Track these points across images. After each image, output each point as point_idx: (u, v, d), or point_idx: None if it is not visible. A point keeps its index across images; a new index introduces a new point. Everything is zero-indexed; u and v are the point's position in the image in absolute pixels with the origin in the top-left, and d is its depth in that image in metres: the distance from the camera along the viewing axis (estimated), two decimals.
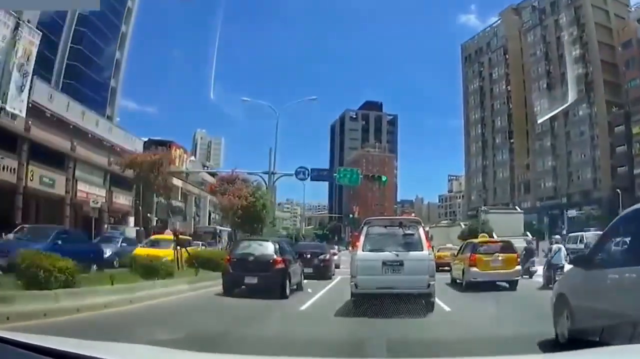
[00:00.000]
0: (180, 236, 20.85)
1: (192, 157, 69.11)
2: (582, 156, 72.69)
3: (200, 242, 34.17)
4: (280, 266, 13.22)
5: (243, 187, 25.47)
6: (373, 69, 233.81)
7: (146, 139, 52.80)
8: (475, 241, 17.25)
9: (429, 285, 10.03)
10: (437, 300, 10.91)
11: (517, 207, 65.25)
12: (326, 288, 16.33)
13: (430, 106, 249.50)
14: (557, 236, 19.70)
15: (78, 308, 8.54)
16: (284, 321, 9.71)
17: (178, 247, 16.26)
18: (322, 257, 21.27)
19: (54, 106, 35.63)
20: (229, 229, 35.87)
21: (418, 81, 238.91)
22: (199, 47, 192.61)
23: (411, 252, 10.22)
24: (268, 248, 13.82)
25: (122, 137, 43.87)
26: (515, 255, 15.84)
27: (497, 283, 15.35)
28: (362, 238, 10.56)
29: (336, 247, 37.31)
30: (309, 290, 14.76)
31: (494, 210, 58.05)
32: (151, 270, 12.49)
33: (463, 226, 57.59)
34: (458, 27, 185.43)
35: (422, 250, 10.32)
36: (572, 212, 61.81)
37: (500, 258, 15.32)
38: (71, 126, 37.05)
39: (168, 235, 21.73)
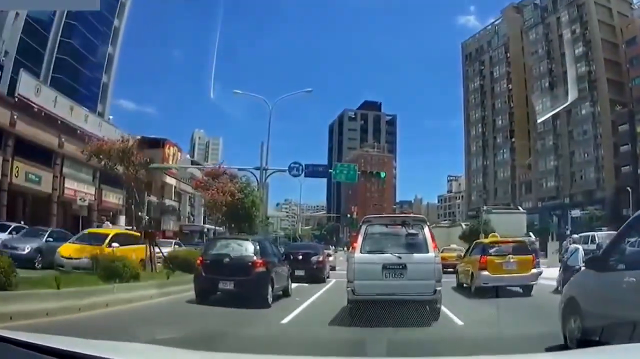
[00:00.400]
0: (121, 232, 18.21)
1: (187, 156, 67.62)
2: (585, 155, 71.35)
3: (173, 241, 31.80)
4: (261, 269, 11.51)
5: (228, 182, 23.84)
6: (372, 69, 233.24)
7: (139, 137, 51.45)
8: (486, 241, 15.63)
9: (435, 291, 8.89)
10: (445, 310, 9.62)
11: (519, 207, 64.21)
12: (318, 293, 14.82)
13: (429, 106, 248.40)
14: (576, 236, 18.31)
15: (11, 315, 7.14)
16: (257, 338, 8.21)
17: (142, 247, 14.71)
18: (315, 258, 19.86)
19: (40, 100, 34.57)
20: (220, 228, 34.31)
21: (417, 81, 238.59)
22: (198, 49, 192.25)
23: (415, 255, 9.09)
24: (247, 248, 12.05)
25: (113, 134, 42.46)
26: (531, 257, 14.29)
27: (508, 287, 13.95)
28: (360, 238, 9.44)
29: (332, 247, 35.73)
30: (297, 298, 13.07)
31: (496, 210, 57.04)
32: (112, 272, 10.96)
33: (464, 226, 56.59)
34: (458, 28, 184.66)
35: (427, 252, 9.16)
36: (576, 213, 60.47)
37: (514, 260, 13.81)
38: (59, 121, 35.86)
39: (107, 229, 19.13)
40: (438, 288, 8.93)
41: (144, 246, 15.98)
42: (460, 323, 9.18)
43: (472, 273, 14.43)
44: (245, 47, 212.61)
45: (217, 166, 27.81)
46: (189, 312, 10.44)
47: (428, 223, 10.05)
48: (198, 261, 12.18)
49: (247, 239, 12.96)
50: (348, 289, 9.06)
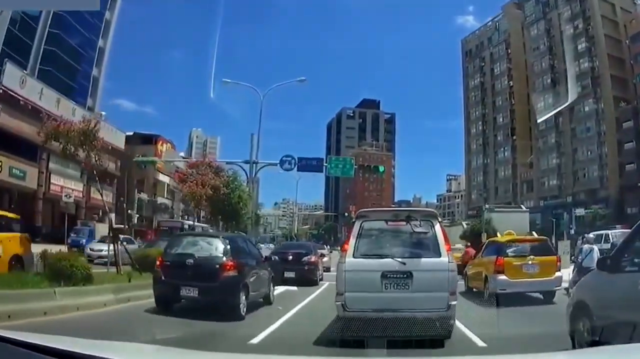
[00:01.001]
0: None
1: (181, 153, 66.04)
2: (589, 153, 70.01)
3: (122, 237, 26.64)
4: (230, 272, 9.60)
5: (208, 173, 22.10)
6: (371, 67, 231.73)
7: (131, 133, 50.21)
8: (502, 239, 13.73)
9: (449, 306, 7.09)
10: (460, 326, 7.93)
11: (521, 206, 62.87)
12: (306, 299, 12.98)
13: (428, 105, 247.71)
14: (590, 235, 16.88)
15: None
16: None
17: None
18: (306, 259, 18.29)
19: (26, 92, 33.24)
20: (205, 225, 32.63)
21: (416, 80, 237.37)
22: (197, 49, 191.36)
23: (424, 259, 7.32)
24: (216, 247, 10.09)
25: (102, 129, 40.94)
26: (555, 258, 12.56)
27: (527, 293, 12.29)
28: (352, 238, 7.54)
29: (327, 247, 33.80)
30: (279, 307, 11.12)
31: (499, 208, 55.68)
32: (58, 272, 9.40)
33: (465, 226, 55.22)
34: (457, 27, 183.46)
35: (439, 256, 7.31)
36: (580, 211, 59.09)
37: (535, 262, 12.05)
38: (45, 114, 34.40)
39: None
40: (452, 302, 7.15)
41: (18, 234, 12.39)
42: (481, 343, 7.25)
43: (485, 277, 12.71)
44: (243, 45, 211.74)
45: (202, 158, 26.10)
46: (134, 325, 8.50)
47: (440, 219, 8.03)
48: (157, 262, 10.29)
49: (217, 237, 10.97)
50: (337, 303, 7.29)
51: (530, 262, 12.10)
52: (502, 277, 11.96)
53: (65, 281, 9.50)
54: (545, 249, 12.78)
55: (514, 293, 11.80)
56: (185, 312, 9.34)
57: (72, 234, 29.45)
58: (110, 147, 41.08)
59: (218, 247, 10.12)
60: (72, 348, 2.14)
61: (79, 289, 9.59)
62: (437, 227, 7.58)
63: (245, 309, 9.69)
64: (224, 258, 9.82)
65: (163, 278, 9.81)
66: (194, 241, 10.72)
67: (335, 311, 7.54)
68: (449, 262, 7.34)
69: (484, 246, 14.78)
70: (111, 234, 14.77)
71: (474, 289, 13.97)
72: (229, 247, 10.06)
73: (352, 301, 7.13)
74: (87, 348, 2.26)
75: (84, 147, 12.95)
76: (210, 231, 26.73)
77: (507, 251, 12.55)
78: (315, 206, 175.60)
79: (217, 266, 9.68)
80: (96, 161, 13.73)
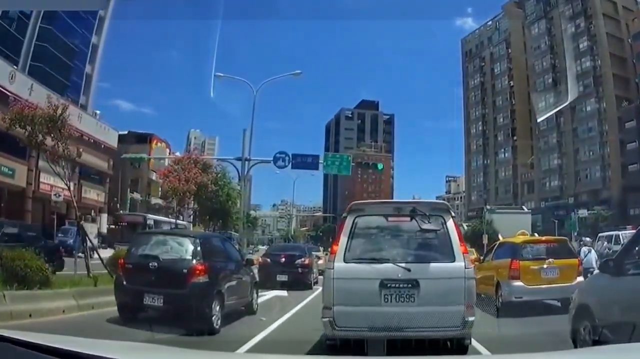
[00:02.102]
0: None
1: (178, 153, 64.98)
2: (590, 153, 69.30)
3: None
4: (200, 278, 8.35)
5: (192, 168, 20.99)
6: (371, 68, 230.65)
7: (126, 132, 49.33)
8: (516, 240, 12.35)
9: (464, 323, 5.82)
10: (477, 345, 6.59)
11: (523, 207, 62.11)
12: (296, 307, 11.66)
13: (428, 105, 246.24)
14: (587, 238, 17.52)
15: None
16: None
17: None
18: (300, 261, 17.53)
19: (15, 88, 32.16)
20: (183, 222, 31.26)
21: (416, 81, 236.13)
22: (196, 49, 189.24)
23: (434, 264, 6.03)
24: (185, 249, 8.78)
25: (95, 127, 40.04)
26: (577, 261, 11.34)
27: (544, 301, 11.02)
28: (343, 238, 6.21)
29: (322, 249, 32.60)
30: (262, 318, 9.83)
31: (500, 209, 54.88)
32: (14, 274, 8.46)
33: (465, 227, 54.32)
34: (457, 27, 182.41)
35: (453, 259, 6.01)
36: (583, 213, 58.22)
37: (554, 266, 10.78)
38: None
39: None
40: (470, 318, 5.86)
41: None
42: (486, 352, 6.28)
43: (497, 283, 11.44)
44: (241, 46, 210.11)
45: (189, 153, 25.03)
46: (90, 335, 7.30)
47: (453, 214, 6.61)
48: (120, 265, 9.01)
49: (187, 236, 9.60)
50: (324, 319, 5.98)
51: (549, 266, 10.90)
52: (518, 283, 10.74)
53: (19, 284, 8.53)
54: (564, 250, 11.46)
55: (531, 301, 10.68)
56: (152, 322, 8.15)
57: (59, 234, 28.54)
58: (102, 146, 40.56)
59: (187, 248, 8.87)
60: (73, 348, 2.15)
61: (33, 293, 8.56)
62: (450, 223, 6.26)
63: (219, 321, 8.45)
64: (193, 261, 8.59)
65: (125, 283, 8.63)
66: (162, 241, 9.33)
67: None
68: (465, 267, 6.00)
69: (495, 247, 13.64)
70: (80, 232, 13.66)
71: (482, 295, 12.85)
72: (199, 248, 8.79)
73: (343, 317, 5.89)
74: (88, 347, 2.27)
75: (52, 135, 11.89)
76: (184, 229, 25.58)
77: (523, 252, 11.35)
78: (314, 207, 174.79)
79: (185, 270, 8.42)
80: (64, 150, 12.62)
